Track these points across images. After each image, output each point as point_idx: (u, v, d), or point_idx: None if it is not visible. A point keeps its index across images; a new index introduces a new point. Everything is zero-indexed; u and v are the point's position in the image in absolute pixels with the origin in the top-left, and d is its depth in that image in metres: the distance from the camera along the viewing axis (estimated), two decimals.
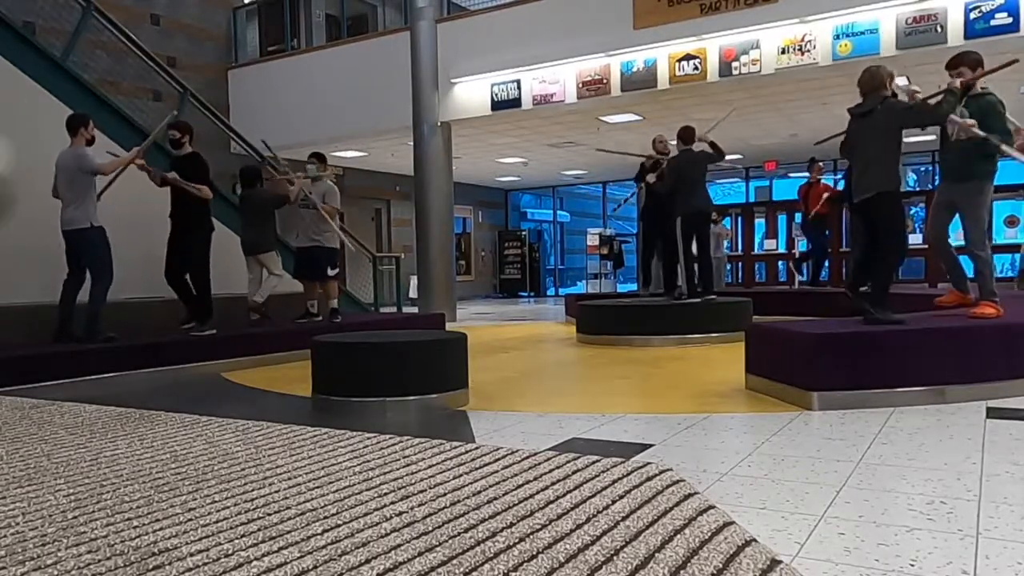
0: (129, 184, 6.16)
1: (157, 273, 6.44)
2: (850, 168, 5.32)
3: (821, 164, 10.07)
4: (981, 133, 4.38)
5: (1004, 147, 4.38)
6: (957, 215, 4.72)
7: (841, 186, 10.17)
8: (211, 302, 6.41)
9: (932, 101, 4.42)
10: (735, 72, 9.52)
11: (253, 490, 2.26)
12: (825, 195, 9.62)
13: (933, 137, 6.27)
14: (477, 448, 2.74)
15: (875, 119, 4.38)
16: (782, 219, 15.80)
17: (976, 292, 4.72)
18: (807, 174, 10.33)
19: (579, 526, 1.85)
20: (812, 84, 9.83)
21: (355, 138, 12.99)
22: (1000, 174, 4.73)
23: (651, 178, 7.94)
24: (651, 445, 3.21)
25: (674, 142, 8.03)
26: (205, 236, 6.36)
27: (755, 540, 1.78)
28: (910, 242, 14.88)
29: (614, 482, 2.22)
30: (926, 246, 11.25)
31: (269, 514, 2.01)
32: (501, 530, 1.84)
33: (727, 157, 9.67)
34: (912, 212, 15.18)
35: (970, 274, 4.88)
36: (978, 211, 4.56)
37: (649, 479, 2.24)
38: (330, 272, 7.45)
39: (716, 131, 7.73)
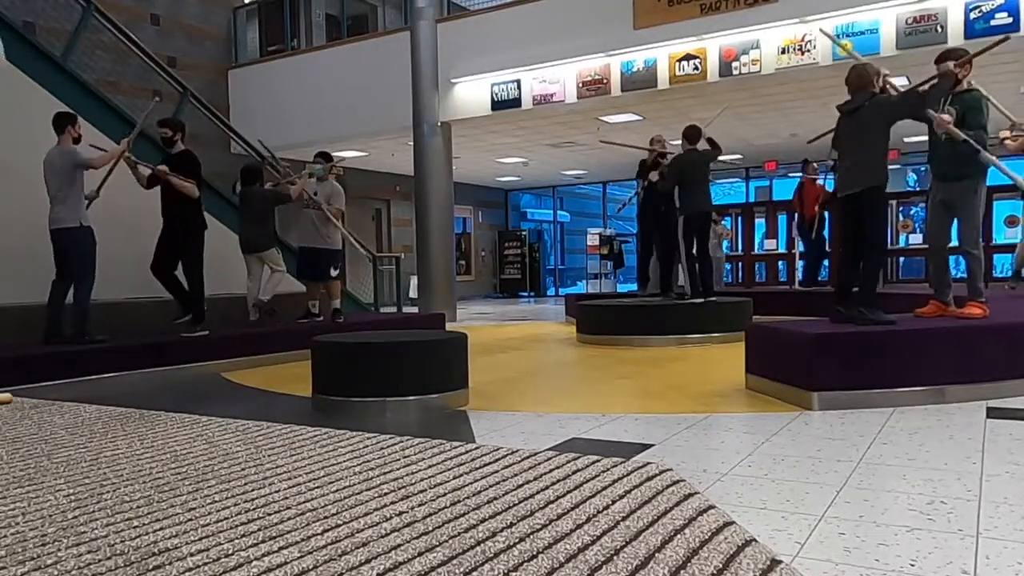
0: (122, 183, 6.16)
1: (150, 273, 6.44)
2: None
3: (815, 164, 10.07)
4: (960, 134, 4.33)
5: (983, 154, 4.35)
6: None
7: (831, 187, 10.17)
8: (203, 303, 6.40)
9: (923, 88, 4.42)
10: (735, 72, 9.52)
11: (253, 490, 2.26)
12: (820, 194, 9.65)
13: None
14: (477, 448, 2.74)
15: (862, 116, 4.39)
16: (782, 219, 15.80)
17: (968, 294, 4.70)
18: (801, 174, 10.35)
19: (579, 526, 1.85)
20: (812, 84, 9.83)
21: (355, 138, 12.99)
22: (998, 173, 4.70)
23: (654, 176, 7.91)
24: (651, 445, 3.21)
25: (676, 141, 8.01)
26: (198, 234, 6.33)
27: (755, 540, 1.78)
28: (910, 242, 14.78)
29: (614, 482, 2.22)
30: (927, 246, 11.17)
31: (269, 514, 2.01)
32: (501, 530, 1.84)
33: (727, 157, 9.66)
34: (912, 212, 15.19)
35: (961, 273, 4.86)
36: (973, 210, 4.55)
37: (649, 479, 2.24)
38: (332, 273, 7.44)
39: (712, 128, 7.72)
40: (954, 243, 4.78)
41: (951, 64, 4.32)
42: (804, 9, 8.95)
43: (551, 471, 2.36)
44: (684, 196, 7.59)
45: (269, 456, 2.70)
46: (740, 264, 16.68)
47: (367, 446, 2.81)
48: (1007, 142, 5.71)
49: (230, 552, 1.73)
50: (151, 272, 6.36)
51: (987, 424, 3.43)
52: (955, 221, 4.71)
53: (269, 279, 7.13)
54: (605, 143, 9.43)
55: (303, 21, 14.31)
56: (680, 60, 9.83)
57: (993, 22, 8.06)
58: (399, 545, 1.75)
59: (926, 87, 4.42)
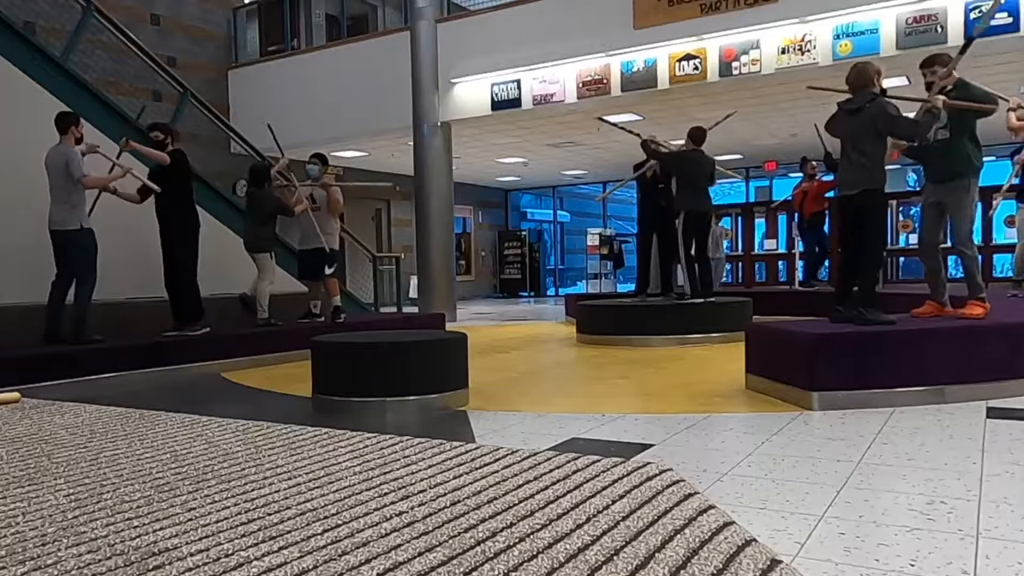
0: (121, 184, 6.14)
1: (149, 273, 6.43)
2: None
3: (814, 163, 10.05)
4: (971, 105, 4.38)
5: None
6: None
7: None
8: (200, 301, 6.39)
9: (914, 115, 4.45)
10: (735, 72, 9.52)
11: (253, 490, 2.26)
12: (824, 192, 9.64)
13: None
14: (477, 448, 2.74)
15: (863, 117, 4.40)
16: (782, 219, 15.77)
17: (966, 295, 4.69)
18: (802, 174, 10.34)
19: (579, 526, 1.85)
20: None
21: (355, 138, 12.99)
22: (1000, 174, 4.71)
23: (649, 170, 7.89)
24: (651, 445, 3.21)
25: (675, 141, 8.00)
26: (190, 232, 6.32)
27: (755, 540, 1.78)
28: (910, 241, 14.77)
29: (614, 482, 2.22)
30: (918, 247, 11.22)
31: (269, 514, 2.01)
32: (501, 530, 1.84)
33: (726, 157, 9.65)
34: (912, 212, 15.18)
35: (958, 273, 4.87)
36: (965, 210, 4.55)
37: (649, 479, 2.24)
38: (327, 270, 7.49)
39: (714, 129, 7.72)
40: (949, 243, 4.79)
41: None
42: (804, 9, 8.95)
43: (551, 471, 2.36)
44: (687, 195, 7.58)
45: (269, 456, 2.70)
46: (740, 264, 16.68)
47: (367, 446, 2.81)
48: (1011, 115, 5.73)
49: (230, 552, 1.73)
50: (166, 289, 6.37)
51: (987, 424, 3.42)
52: (948, 221, 4.72)
53: (259, 293, 7.01)
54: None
55: (303, 21, 14.30)
56: (680, 60, 9.84)
57: (993, 22, 8.05)
58: (399, 545, 1.75)
59: (919, 114, 4.43)
